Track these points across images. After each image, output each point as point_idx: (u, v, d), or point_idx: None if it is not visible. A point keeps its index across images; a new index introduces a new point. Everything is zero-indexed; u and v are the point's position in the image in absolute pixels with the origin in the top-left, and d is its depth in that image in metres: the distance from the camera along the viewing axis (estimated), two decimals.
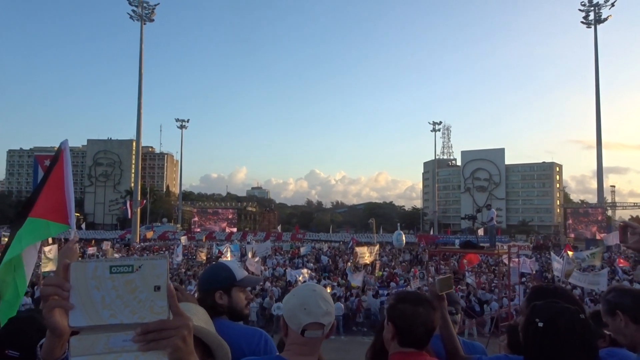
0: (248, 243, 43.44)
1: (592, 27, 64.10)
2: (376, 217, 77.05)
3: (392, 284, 23.30)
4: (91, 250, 33.73)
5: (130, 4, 60.83)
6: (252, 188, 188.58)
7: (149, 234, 63.13)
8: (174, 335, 1.04)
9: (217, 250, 32.24)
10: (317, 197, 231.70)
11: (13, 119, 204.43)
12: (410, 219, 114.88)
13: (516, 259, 17.69)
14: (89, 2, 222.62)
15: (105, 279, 1.03)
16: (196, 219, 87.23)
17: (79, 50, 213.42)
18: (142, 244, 55.81)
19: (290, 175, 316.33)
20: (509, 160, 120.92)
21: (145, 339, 1.02)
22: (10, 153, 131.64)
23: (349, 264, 27.13)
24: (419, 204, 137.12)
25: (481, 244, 18.65)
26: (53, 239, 18.57)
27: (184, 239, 35.79)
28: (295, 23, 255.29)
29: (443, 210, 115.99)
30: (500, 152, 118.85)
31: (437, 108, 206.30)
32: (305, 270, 24.28)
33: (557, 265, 18.88)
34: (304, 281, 22.62)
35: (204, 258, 31.34)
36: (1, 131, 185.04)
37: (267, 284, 21.93)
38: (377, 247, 30.94)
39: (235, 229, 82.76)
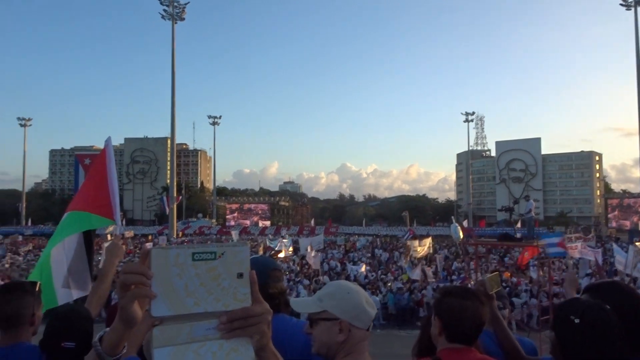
0: (282, 237, 43.75)
1: (632, 9, 61.43)
2: (409, 209, 76.40)
3: (454, 278, 22.92)
4: (149, 245, 34.40)
5: (161, 3, 61.55)
6: (284, 182, 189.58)
7: (181, 233, 64.51)
8: (259, 322, 1.04)
9: (275, 245, 32.09)
10: (349, 191, 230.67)
11: (54, 119, 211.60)
12: (444, 212, 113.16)
13: (584, 250, 17.00)
14: (120, 3, 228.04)
15: (188, 266, 0.99)
16: (231, 214, 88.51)
17: (113, 51, 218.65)
18: (179, 239, 56.98)
19: (322, 169, 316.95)
20: (545, 150, 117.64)
21: (230, 326, 1.01)
22: (53, 153, 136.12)
23: (408, 257, 26.79)
24: (452, 196, 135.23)
25: (519, 237, 18.25)
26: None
27: (234, 234, 35.78)
28: (327, 15, 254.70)
29: (477, 202, 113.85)
30: (536, 141, 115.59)
31: (470, 98, 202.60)
32: (364, 265, 24.12)
33: (620, 258, 17.61)
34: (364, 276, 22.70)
35: (261, 253, 31.47)
36: (44, 132, 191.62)
37: (325, 277, 21.89)
38: (429, 239, 30.08)
39: (268, 223, 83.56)
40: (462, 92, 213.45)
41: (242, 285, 1.04)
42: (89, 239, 3.75)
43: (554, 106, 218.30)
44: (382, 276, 23.83)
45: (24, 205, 75.52)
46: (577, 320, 1.72)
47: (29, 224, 72.17)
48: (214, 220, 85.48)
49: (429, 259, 27.64)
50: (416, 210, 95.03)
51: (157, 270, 0.98)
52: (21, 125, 76.61)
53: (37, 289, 2.49)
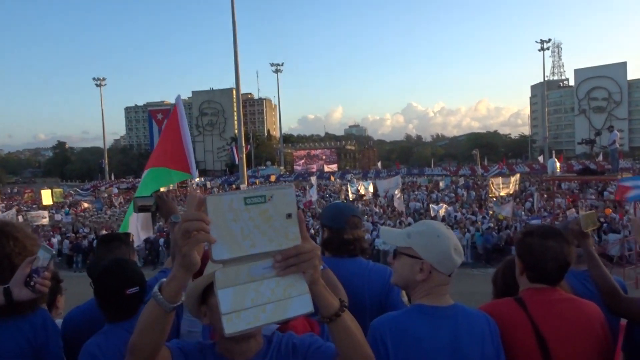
0: (349, 181, 43.93)
1: None
2: (480, 147, 73.92)
3: (545, 213, 21.92)
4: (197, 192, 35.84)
5: None
6: (350, 126, 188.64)
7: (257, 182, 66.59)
8: (310, 258, 1.14)
9: (355, 188, 32.18)
10: (415, 131, 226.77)
11: (127, 78, 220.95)
12: (518, 148, 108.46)
13: None
14: None
15: (242, 211, 1.07)
16: (299, 161, 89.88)
17: (177, 7, 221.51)
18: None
19: (387, 110, 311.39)
20: (632, 75, 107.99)
21: (285, 264, 1.11)
22: (127, 110, 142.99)
23: (496, 197, 26.08)
24: (525, 131, 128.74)
25: (602, 170, 17.17)
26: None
27: (313, 179, 36.88)
28: None
29: (554, 136, 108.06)
30: (622, 66, 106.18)
31: (545, 24, 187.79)
32: (444, 206, 23.86)
33: None
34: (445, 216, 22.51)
35: (343, 197, 31.50)
36: (118, 90, 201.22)
37: (410, 219, 21.79)
38: (516, 177, 29.06)
39: (335, 167, 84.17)
40: (536, 18, 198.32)
41: (292, 225, 1.11)
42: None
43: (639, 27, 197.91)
44: (470, 216, 23.29)
45: (107, 162, 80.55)
46: None
47: (112, 178, 77.21)
48: (282, 168, 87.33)
49: (515, 197, 26.65)
50: (487, 148, 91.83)
51: (213, 216, 1.05)
52: (97, 85, 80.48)
53: (130, 239, 2.80)
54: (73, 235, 24.68)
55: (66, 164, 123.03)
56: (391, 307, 2.17)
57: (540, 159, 63.26)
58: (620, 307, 2.17)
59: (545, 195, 26.36)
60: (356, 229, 2.41)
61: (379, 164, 79.74)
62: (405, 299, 2.21)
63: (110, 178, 77.53)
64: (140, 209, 2.85)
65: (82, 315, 2.41)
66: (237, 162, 68.51)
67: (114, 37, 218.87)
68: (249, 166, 77.67)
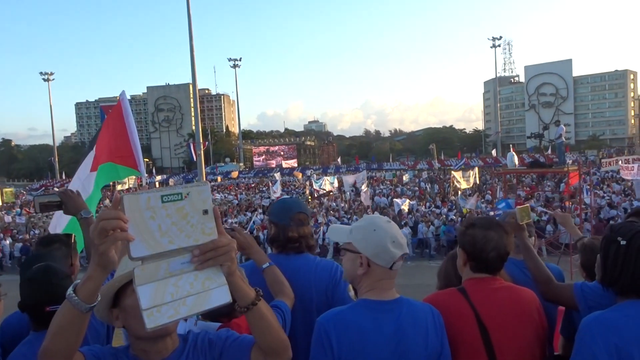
0: (309, 176, 43.95)
1: None
2: (436, 142, 75.39)
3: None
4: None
5: None
6: (309, 122, 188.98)
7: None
8: (227, 251, 1.19)
9: (319, 184, 31.91)
10: (374, 127, 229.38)
11: (78, 72, 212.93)
12: (472, 142, 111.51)
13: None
14: None
15: (159, 208, 1.09)
16: (259, 157, 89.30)
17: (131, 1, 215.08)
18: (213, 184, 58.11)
19: (345, 106, 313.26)
20: (577, 72, 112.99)
21: (202, 258, 1.16)
22: (78, 105, 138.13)
23: (460, 190, 26.38)
24: (479, 125, 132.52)
25: (551, 163, 17.89)
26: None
27: (278, 175, 36.48)
28: None
29: (506, 131, 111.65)
30: (567, 63, 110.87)
31: (497, 22, 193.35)
32: (407, 201, 23.85)
33: None
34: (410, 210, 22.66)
35: (307, 193, 31.43)
36: (68, 85, 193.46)
37: (376, 214, 21.78)
38: (475, 170, 29.51)
39: (293, 163, 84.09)
40: (489, 16, 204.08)
41: (208, 221, 1.15)
42: None
43: (585, 26, 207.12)
44: (434, 208, 23.61)
45: (57, 159, 77.52)
46: (623, 242, 1.71)
47: (64, 177, 74.41)
48: (241, 164, 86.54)
49: (475, 190, 27.20)
50: (443, 143, 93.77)
51: (131, 214, 1.07)
52: (44, 79, 77.19)
53: (72, 240, 2.65)
54: (27, 236, 23.68)
55: (12, 163, 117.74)
56: (338, 302, 2.17)
57: (494, 152, 65.22)
58: (553, 294, 2.27)
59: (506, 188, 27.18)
60: (302, 226, 2.38)
61: (339, 159, 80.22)
62: (352, 293, 2.23)
63: (61, 177, 74.63)
64: (43, 208, 2.63)
65: (20, 321, 2.30)
66: (194, 159, 67.65)
67: (62, 29, 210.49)
68: (207, 163, 76.47)
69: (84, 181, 3.88)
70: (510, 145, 46.95)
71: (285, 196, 18.97)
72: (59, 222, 3.73)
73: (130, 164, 3.94)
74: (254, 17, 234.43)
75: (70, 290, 1.18)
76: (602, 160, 37.57)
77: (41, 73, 77.27)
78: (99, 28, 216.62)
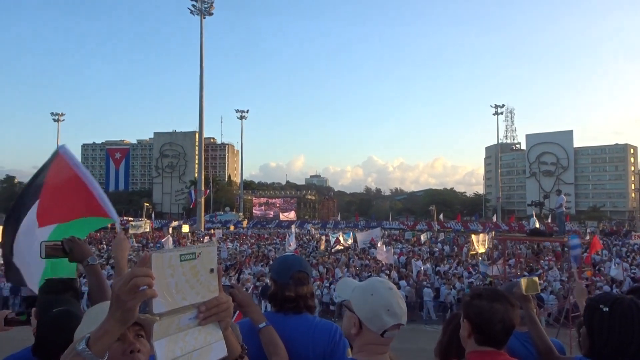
0: (308, 231, 43.70)
1: None
2: (436, 203, 75.55)
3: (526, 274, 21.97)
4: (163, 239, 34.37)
5: None
6: (311, 176, 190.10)
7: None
8: (227, 308, 1.26)
9: (333, 238, 32.05)
10: (375, 184, 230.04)
11: (86, 114, 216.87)
12: (472, 206, 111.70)
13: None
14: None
15: (178, 267, 1.16)
16: (259, 208, 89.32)
17: (143, 46, 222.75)
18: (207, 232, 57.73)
19: (348, 162, 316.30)
20: (577, 143, 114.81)
21: (208, 314, 1.21)
22: (85, 147, 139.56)
23: (480, 255, 25.65)
24: (479, 189, 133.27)
25: (550, 232, 17.88)
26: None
27: (293, 228, 36.20)
28: (354, 12, 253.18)
29: (507, 196, 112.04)
30: (568, 134, 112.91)
31: (500, 91, 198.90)
32: (420, 263, 23.08)
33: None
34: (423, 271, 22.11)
35: (322, 248, 31.08)
36: (76, 126, 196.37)
37: (394, 273, 20.99)
38: (485, 235, 28.77)
39: (291, 215, 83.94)
40: (492, 85, 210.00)
41: (213, 279, 1.23)
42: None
43: (586, 98, 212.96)
44: (455, 271, 22.68)
45: None
46: (605, 309, 1.76)
47: None
48: (240, 214, 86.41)
49: (492, 255, 26.73)
50: (443, 204, 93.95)
51: (156, 272, 1.12)
52: (55, 120, 78.68)
53: (77, 284, 2.62)
54: None
55: (14, 200, 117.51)
56: None
57: (494, 218, 65.23)
58: None
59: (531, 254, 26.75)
60: (301, 285, 2.35)
61: (339, 215, 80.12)
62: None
63: None
64: (50, 252, 2.61)
65: None
66: (193, 205, 67.70)
67: (75, 72, 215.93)
68: (207, 211, 76.50)
69: (33, 238, 3.50)
70: (534, 212, 46.15)
71: (287, 253, 18.79)
72: (34, 272, 3.40)
73: (102, 214, 3.82)
74: (263, 70, 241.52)
75: (83, 344, 1.15)
76: (633, 233, 37.61)
77: (52, 113, 78.90)
78: (111, 72, 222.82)
